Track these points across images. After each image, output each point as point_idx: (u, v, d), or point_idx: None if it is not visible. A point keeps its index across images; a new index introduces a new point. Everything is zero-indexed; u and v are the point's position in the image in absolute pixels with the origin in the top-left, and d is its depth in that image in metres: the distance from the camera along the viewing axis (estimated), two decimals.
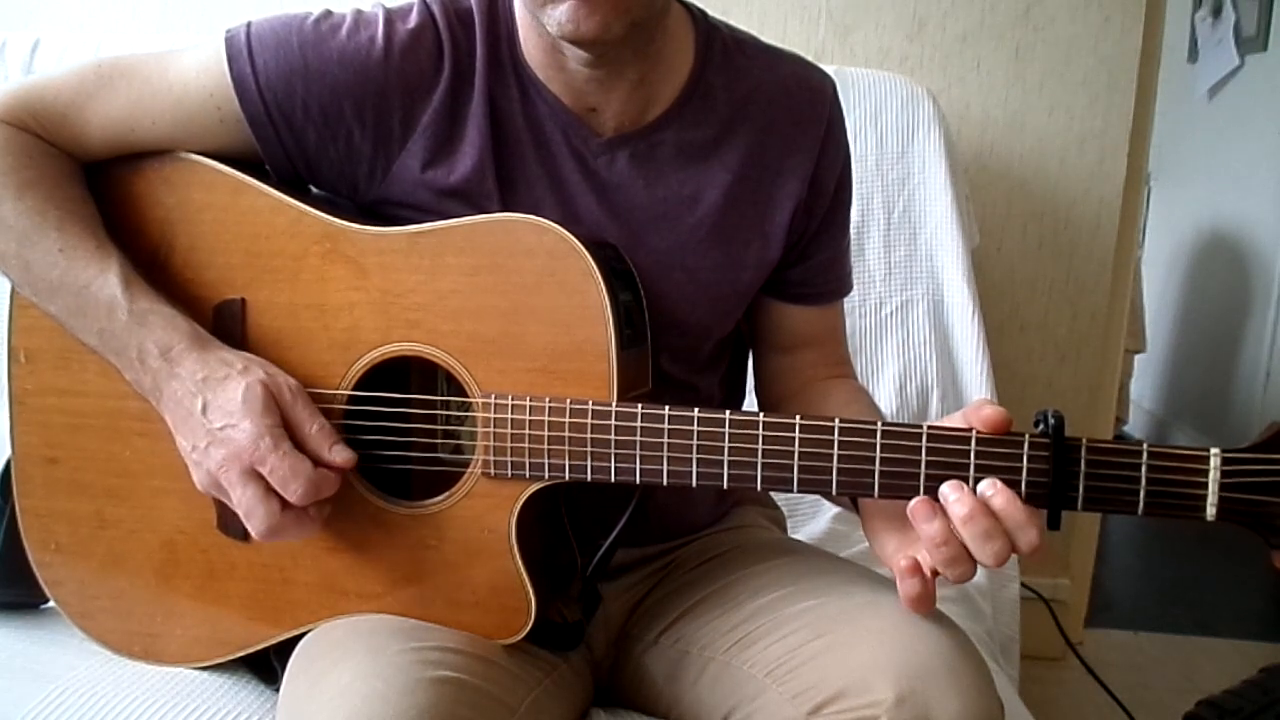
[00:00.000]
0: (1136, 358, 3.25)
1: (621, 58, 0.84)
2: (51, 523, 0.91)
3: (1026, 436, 0.73)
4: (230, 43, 0.85)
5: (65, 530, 0.90)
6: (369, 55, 0.84)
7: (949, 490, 0.73)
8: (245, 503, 0.77)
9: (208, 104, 0.85)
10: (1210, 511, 0.71)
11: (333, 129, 0.85)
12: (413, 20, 0.86)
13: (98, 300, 0.81)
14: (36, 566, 0.92)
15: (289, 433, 0.78)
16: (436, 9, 0.87)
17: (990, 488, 0.73)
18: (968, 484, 0.73)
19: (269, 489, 0.77)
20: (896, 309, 1.57)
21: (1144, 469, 0.71)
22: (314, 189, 0.90)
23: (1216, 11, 3.33)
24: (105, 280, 0.81)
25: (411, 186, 0.87)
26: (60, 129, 0.86)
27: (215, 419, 0.78)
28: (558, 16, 0.78)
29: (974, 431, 0.74)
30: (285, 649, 0.85)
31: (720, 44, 0.92)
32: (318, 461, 0.78)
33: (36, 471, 0.91)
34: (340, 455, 0.79)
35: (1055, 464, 0.72)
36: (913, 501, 0.74)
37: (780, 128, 0.92)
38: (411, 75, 0.85)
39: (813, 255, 0.97)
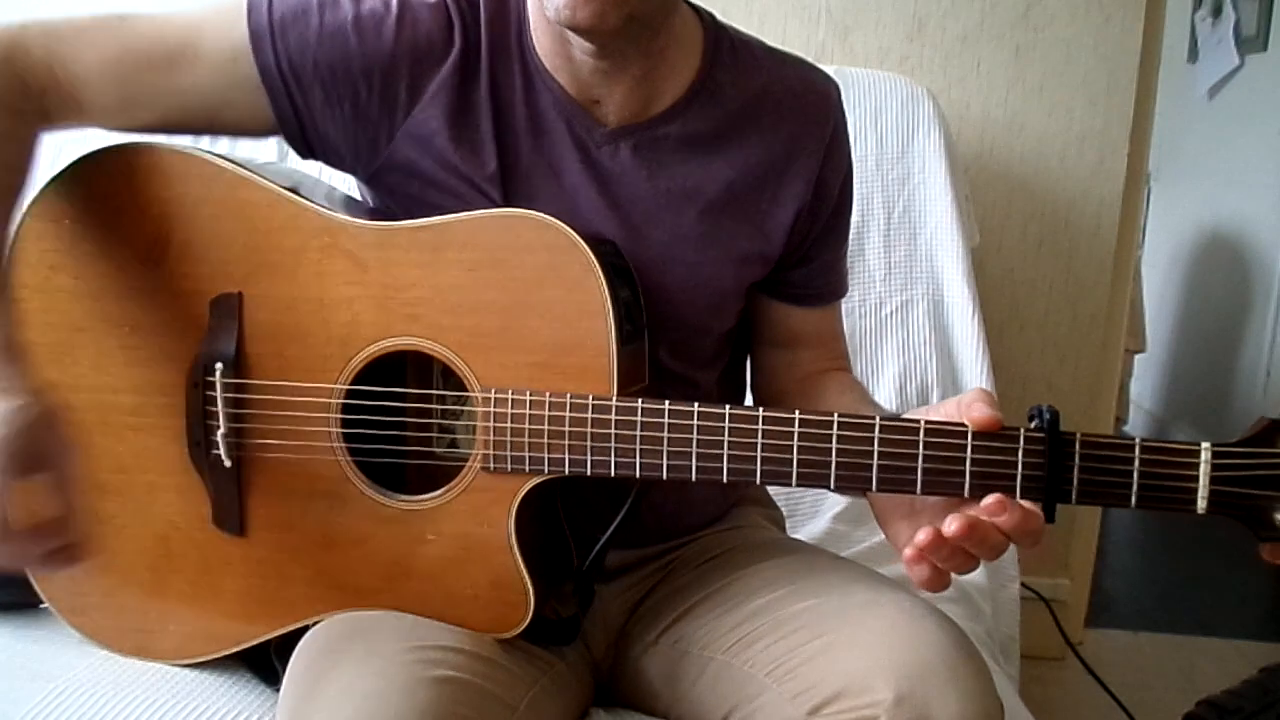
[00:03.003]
0: (1136, 357, 3.25)
1: (624, 51, 0.85)
2: None
3: (1022, 431, 0.73)
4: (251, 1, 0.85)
5: None
6: (382, 23, 0.85)
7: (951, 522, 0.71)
8: None
9: (225, 59, 0.85)
10: (1201, 504, 0.71)
11: (340, 90, 0.86)
12: None
13: None
14: None
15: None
16: None
17: (999, 510, 0.71)
18: (964, 477, 0.73)
19: None
20: (896, 309, 1.56)
21: (1136, 462, 0.72)
22: (323, 162, 0.90)
23: (1216, 11, 3.33)
24: None
25: (416, 155, 0.87)
26: (63, 66, 0.84)
27: None
28: (556, 1, 0.78)
29: (970, 426, 0.74)
30: (286, 648, 0.84)
31: (728, 45, 0.93)
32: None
33: None
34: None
35: (1050, 458, 0.72)
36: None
37: (787, 129, 0.93)
38: (421, 45, 0.86)
39: (815, 258, 0.97)
